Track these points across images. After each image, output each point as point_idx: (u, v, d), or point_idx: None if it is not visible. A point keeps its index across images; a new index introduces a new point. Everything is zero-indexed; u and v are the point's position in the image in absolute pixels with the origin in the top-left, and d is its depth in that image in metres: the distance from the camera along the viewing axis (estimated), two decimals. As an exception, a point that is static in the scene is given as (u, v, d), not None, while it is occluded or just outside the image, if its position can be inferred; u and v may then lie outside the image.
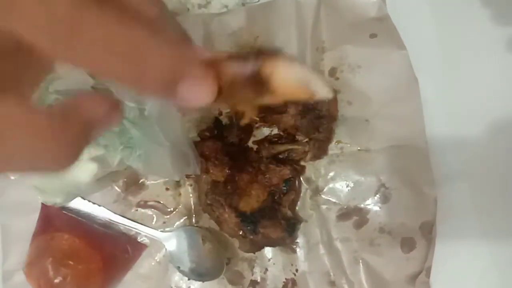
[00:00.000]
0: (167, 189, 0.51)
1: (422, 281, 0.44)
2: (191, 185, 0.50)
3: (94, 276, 0.47)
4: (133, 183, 0.51)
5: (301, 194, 0.48)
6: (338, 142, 0.48)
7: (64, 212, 0.49)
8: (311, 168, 0.48)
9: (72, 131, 0.16)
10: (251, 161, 0.47)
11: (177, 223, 0.50)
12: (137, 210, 0.51)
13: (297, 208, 0.49)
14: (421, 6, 0.47)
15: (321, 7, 0.47)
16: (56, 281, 0.45)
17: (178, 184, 0.51)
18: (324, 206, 0.47)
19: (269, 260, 0.49)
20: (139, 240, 0.51)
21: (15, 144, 0.14)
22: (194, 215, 0.50)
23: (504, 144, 0.45)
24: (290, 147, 0.47)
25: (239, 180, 0.46)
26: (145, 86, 0.16)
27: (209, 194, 0.47)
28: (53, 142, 0.15)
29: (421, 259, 0.45)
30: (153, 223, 0.50)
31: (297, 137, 0.47)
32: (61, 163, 0.16)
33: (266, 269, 0.49)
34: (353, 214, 0.47)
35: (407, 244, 0.45)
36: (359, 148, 0.47)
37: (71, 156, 0.16)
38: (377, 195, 0.46)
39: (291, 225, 0.46)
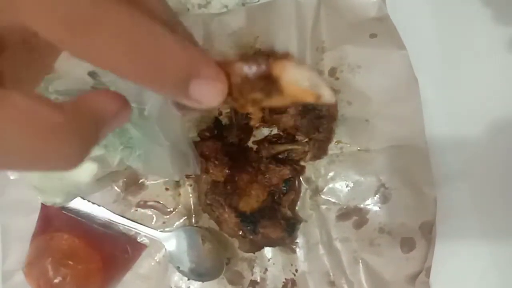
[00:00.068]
0: (166, 189, 0.51)
1: (422, 281, 0.44)
2: (191, 185, 0.50)
3: (94, 276, 0.47)
4: (133, 183, 0.51)
5: (301, 194, 0.48)
6: (338, 142, 0.48)
7: (63, 212, 0.49)
8: (311, 168, 0.48)
9: (84, 129, 0.15)
10: (251, 161, 0.47)
11: (177, 223, 0.50)
12: (136, 210, 0.51)
13: (296, 208, 0.48)
14: (421, 6, 0.47)
15: (321, 7, 0.47)
16: (56, 281, 0.45)
17: (177, 184, 0.51)
18: (323, 206, 0.47)
19: (268, 260, 0.49)
20: (138, 240, 0.51)
21: (23, 143, 0.13)
22: (193, 215, 0.50)
23: (504, 144, 0.45)
24: (290, 147, 0.47)
25: (239, 180, 0.46)
26: (159, 84, 0.16)
27: (209, 194, 0.47)
28: (66, 142, 0.14)
29: (421, 259, 0.45)
30: (153, 223, 0.50)
31: (297, 137, 0.47)
32: (71, 162, 0.15)
33: (266, 269, 0.49)
34: (352, 214, 0.47)
35: (407, 244, 0.45)
36: (359, 148, 0.47)
37: (81, 155, 0.15)
38: (377, 195, 0.46)
39: (291, 225, 0.46)
